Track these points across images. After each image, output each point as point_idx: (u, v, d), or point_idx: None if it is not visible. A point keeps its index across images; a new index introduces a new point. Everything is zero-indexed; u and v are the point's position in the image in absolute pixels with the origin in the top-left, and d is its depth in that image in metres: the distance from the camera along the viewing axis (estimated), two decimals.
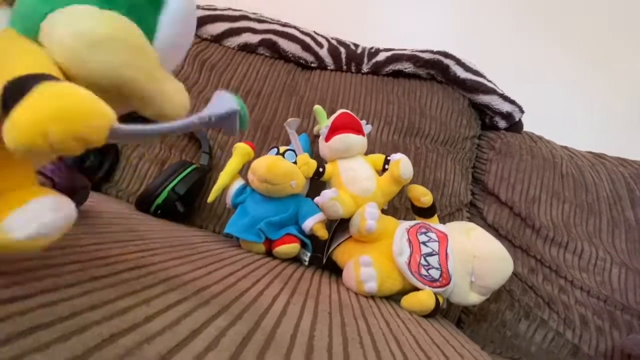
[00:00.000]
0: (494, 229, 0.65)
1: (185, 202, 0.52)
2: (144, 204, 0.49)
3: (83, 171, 0.48)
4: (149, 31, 0.17)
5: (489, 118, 0.73)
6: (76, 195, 0.31)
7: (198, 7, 0.78)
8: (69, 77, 0.15)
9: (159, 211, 0.50)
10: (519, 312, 0.56)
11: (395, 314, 0.37)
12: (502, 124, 0.72)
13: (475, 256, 0.44)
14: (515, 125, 0.72)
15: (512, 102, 0.69)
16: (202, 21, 0.76)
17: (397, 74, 0.74)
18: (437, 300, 0.42)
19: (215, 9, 0.78)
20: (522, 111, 0.71)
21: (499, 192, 0.66)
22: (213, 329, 0.18)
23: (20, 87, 0.12)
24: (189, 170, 0.53)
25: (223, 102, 0.18)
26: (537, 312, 0.56)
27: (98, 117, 0.13)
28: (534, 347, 0.54)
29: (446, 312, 0.56)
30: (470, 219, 0.66)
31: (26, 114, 0.12)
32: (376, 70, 0.74)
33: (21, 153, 0.12)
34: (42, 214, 0.14)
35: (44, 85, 0.12)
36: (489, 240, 0.46)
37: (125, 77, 0.16)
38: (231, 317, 0.20)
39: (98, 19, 0.15)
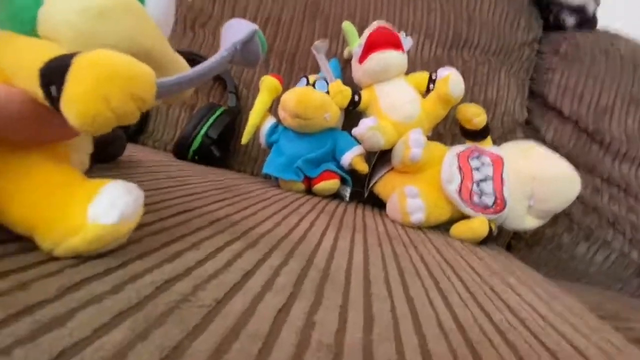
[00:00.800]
0: (553, 148, 0.58)
1: (220, 145, 0.51)
2: (180, 151, 0.49)
3: None
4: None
5: (553, 16, 0.60)
6: (111, 146, 0.30)
7: None
8: None
9: (197, 157, 0.50)
10: (577, 235, 0.53)
11: (446, 242, 0.36)
12: (570, 21, 0.60)
13: (535, 178, 0.40)
14: (587, 22, 0.59)
15: None
16: None
17: None
18: (490, 227, 0.40)
19: None
20: (597, 2, 0.58)
21: (562, 106, 0.58)
22: (267, 269, 0.17)
23: (56, 67, 0.12)
24: (218, 113, 0.51)
25: (238, 27, 0.17)
26: (599, 234, 0.52)
27: (144, 72, 0.13)
28: (593, 268, 0.52)
29: (495, 237, 0.54)
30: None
31: (82, 85, 0.11)
32: None
33: (87, 127, 0.12)
34: (119, 198, 0.14)
35: (80, 58, 0.12)
36: (550, 159, 0.41)
37: (141, 44, 0.15)
38: (282, 256, 0.20)
39: None
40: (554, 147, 0.58)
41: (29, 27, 0.14)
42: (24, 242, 0.14)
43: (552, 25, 0.61)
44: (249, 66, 0.18)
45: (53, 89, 0.12)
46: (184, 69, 0.19)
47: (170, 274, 0.14)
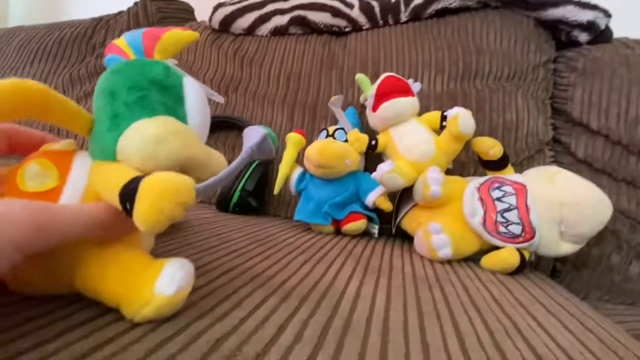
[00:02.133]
0: (587, 164, 0.57)
1: (256, 196, 0.57)
2: (222, 206, 0.55)
3: None
4: (183, 120, 0.22)
5: (565, 34, 0.61)
6: None
7: (225, 4, 0.79)
8: (147, 172, 0.19)
9: (237, 209, 0.55)
10: (628, 254, 0.50)
11: (475, 276, 0.36)
12: (583, 37, 0.60)
13: (563, 203, 0.40)
14: (601, 35, 0.59)
15: (593, 7, 0.57)
16: (232, 18, 0.78)
17: (442, 13, 0.66)
18: (521, 255, 0.40)
19: (240, 1, 0.78)
20: (607, 15, 0.58)
21: (588, 121, 0.57)
22: (296, 322, 0.21)
23: (128, 191, 0.17)
24: (253, 167, 0.57)
25: (254, 133, 0.21)
26: None
27: (185, 184, 0.18)
28: None
29: (537, 264, 0.52)
30: (555, 159, 0.59)
31: (143, 204, 0.17)
32: (417, 15, 0.67)
33: (150, 230, 0.17)
34: (176, 274, 0.18)
35: (143, 183, 0.17)
36: (577, 184, 0.41)
37: (186, 154, 0.20)
38: (311, 307, 0.23)
39: (152, 124, 0.20)
40: (588, 162, 0.57)
41: (112, 157, 0.20)
42: (115, 313, 0.18)
43: (566, 43, 0.62)
44: (265, 158, 0.22)
45: (127, 205, 0.17)
46: (218, 160, 0.24)
47: (221, 332, 0.18)
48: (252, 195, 0.56)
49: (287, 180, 0.54)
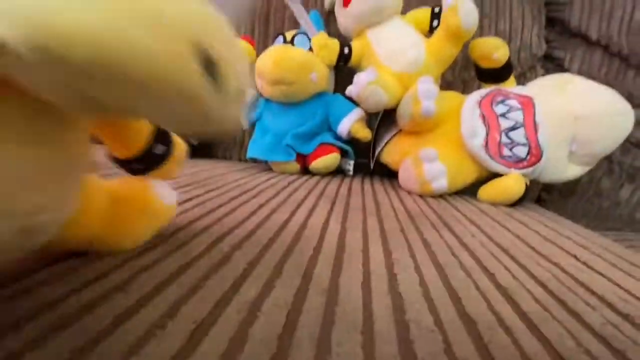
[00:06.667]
0: None
1: None
2: None
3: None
4: None
5: None
6: None
7: None
8: None
9: None
10: (620, 176, 0.46)
11: (478, 210, 0.29)
12: None
13: (577, 117, 0.33)
14: None
15: None
16: None
17: None
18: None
19: None
20: None
21: (587, 29, 0.49)
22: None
23: None
24: None
25: None
26: None
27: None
28: None
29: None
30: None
31: None
32: None
33: None
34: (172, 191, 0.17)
35: None
36: (594, 92, 0.34)
37: None
38: (280, 253, 0.13)
39: None
40: None
41: None
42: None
43: None
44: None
45: None
46: None
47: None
48: None
49: None
